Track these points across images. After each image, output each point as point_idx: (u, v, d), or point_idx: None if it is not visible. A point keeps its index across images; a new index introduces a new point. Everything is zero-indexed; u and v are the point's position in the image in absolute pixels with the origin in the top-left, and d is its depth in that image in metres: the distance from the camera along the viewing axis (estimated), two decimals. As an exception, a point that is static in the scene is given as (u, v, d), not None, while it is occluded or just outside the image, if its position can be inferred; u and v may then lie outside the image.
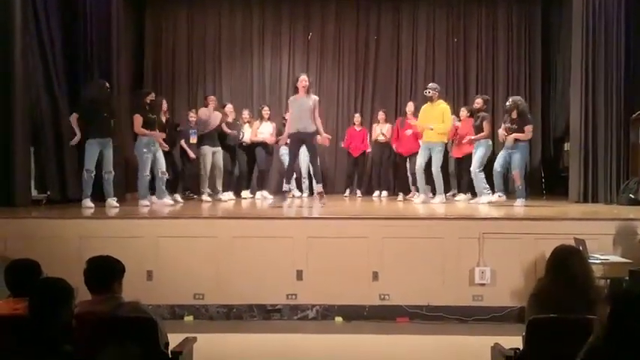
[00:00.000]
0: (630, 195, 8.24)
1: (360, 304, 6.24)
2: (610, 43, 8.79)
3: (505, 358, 3.42)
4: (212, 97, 9.97)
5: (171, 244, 6.26)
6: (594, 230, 6.20)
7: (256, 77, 12.28)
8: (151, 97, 8.58)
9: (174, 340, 3.57)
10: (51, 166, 8.45)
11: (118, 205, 8.00)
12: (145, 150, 8.30)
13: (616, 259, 5.91)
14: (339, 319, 6.24)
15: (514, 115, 8.32)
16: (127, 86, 9.96)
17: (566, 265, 3.56)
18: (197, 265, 6.21)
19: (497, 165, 8.48)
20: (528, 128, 8.30)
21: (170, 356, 3.36)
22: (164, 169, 8.57)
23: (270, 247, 6.25)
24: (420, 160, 8.82)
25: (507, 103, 8.56)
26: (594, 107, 8.85)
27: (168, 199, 8.66)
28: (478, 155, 8.87)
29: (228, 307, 6.27)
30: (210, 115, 9.60)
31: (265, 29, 12.32)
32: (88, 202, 7.83)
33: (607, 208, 8.16)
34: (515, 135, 8.20)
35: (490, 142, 9.08)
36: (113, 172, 8.08)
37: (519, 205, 8.16)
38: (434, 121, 8.66)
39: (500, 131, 8.53)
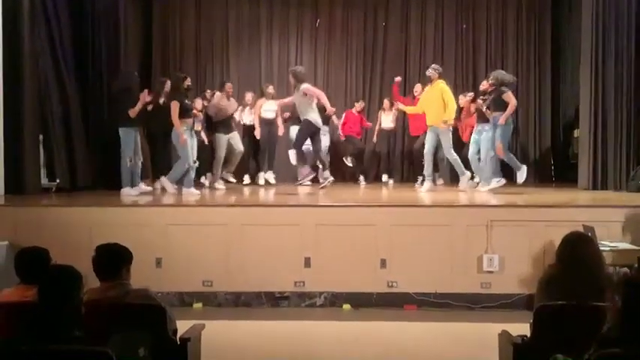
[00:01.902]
0: (640, 182, 8.19)
1: (368, 292, 6.26)
2: (620, 28, 8.69)
3: (513, 346, 3.43)
4: (229, 84, 9.90)
5: (181, 232, 6.29)
6: (603, 217, 6.18)
7: (264, 64, 12.23)
8: (188, 81, 8.23)
9: (182, 326, 3.60)
10: (60, 154, 8.49)
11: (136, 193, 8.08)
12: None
13: (625, 246, 5.89)
14: (346, 306, 6.26)
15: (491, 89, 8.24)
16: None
17: (577, 252, 3.55)
18: (206, 253, 6.24)
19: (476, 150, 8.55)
20: (508, 96, 8.03)
21: (178, 343, 3.39)
22: (195, 159, 8.28)
23: (278, 235, 6.26)
24: (428, 146, 8.72)
25: (490, 80, 8.36)
26: (604, 94, 8.77)
27: (194, 189, 8.16)
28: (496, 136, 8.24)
29: (236, 295, 6.30)
30: (228, 101, 9.49)
31: (273, 15, 12.25)
32: (142, 187, 8.10)
33: (616, 195, 8.11)
34: (504, 116, 7.95)
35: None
36: (142, 160, 8.33)
37: (498, 186, 8.13)
38: (434, 102, 8.51)
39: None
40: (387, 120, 10.67)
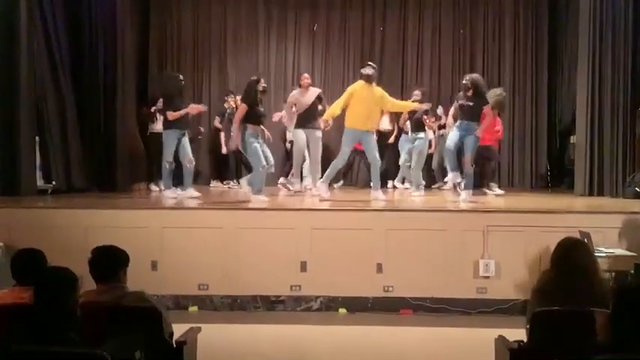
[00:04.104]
0: (636, 188, 8.19)
1: (364, 296, 6.25)
2: (617, 35, 8.71)
3: (509, 351, 3.42)
4: (306, 74, 9.31)
5: (176, 235, 6.28)
6: (600, 223, 6.18)
7: (262, 67, 12.21)
8: (263, 83, 7.61)
9: (178, 330, 3.58)
10: (56, 156, 8.45)
11: (198, 194, 7.95)
12: (252, 140, 7.32)
13: (621, 252, 5.90)
14: (342, 310, 6.25)
15: (470, 93, 7.78)
16: (131, 75, 9.98)
17: (571, 257, 3.55)
18: (202, 256, 6.23)
19: (451, 143, 7.82)
20: (487, 109, 7.79)
21: (174, 346, 3.37)
22: (271, 160, 7.61)
23: (275, 238, 6.25)
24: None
25: (464, 81, 8.04)
26: (600, 100, 8.79)
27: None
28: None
29: (232, 298, 6.29)
30: (306, 93, 8.82)
31: (271, 19, 12.26)
32: (169, 193, 7.91)
33: (612, 201, 8.13)
34: (481, 128, 7.70)
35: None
36: (194, 162, 8.19)
37: (465, 200, 7.55)
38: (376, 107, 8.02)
39: (452, 110, 8.25)
40: (384, 122, 10.67)
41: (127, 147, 9.29)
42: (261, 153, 7.38)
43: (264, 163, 7.40)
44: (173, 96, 8.02)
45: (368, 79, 7.66)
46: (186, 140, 7.98)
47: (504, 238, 6.19)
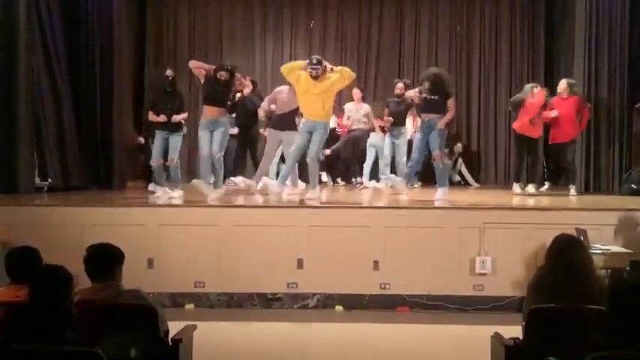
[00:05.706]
0: (632, 185, 8.21)
1: (361, 293, 6.25)
2: (613, 31, 8.75)
3: (505, 348, 3.42)
4: None
5: (173, 232, 6.27)
6: (596, 220, 6.20)
7: (258, 65, 12.22)
8: (224, 73, 7.36)
9: (174, 327, 3.58)
10: (53, 154, 8.45)
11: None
12: (200, 128, 7.42)
13: (617, 249, 5.91)
14: (339, 307, 6.25)
15: (430, 87, 7.29)
16: (128, 72, 9.98)
17: (565, 254, 3.56)
18: (198, 253, 6.22)
19: (419, 149, 7.47)
20: (451, 102, 7.35)
21: (170, 344, 3.37)
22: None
23: (271, 236, 6.25)
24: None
25: (425, 80, 7.47)
26: (597, 96, 8.82)
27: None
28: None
29: (228, 295, 6.28)
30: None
31: (267, 16, 12.26)
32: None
33: (609, 198, 8.14)
34: (443, 120, 7.25)
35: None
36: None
37: (441, 199, 7.15)
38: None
39: (412, 93, 7.72)
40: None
41: (124, 145, 9.28)
42: (206, 141, 7.25)
43: (208, 151, 7.27)
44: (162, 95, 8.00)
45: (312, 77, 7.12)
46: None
47: (501, 235, 6.20)
